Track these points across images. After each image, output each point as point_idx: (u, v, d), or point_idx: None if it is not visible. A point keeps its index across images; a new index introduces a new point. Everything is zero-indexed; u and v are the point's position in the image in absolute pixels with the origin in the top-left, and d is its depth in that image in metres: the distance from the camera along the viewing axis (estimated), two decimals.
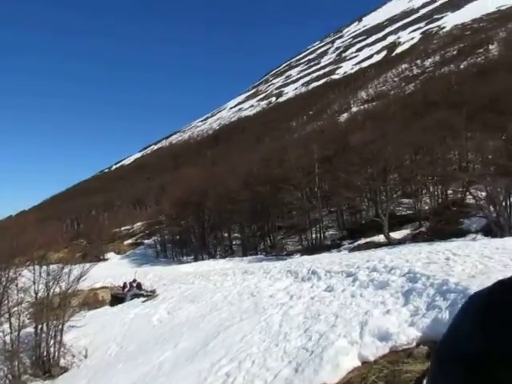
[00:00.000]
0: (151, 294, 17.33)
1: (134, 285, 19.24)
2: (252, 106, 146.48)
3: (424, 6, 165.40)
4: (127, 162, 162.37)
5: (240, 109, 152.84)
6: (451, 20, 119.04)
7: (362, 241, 21.82)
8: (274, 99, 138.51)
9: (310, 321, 7.42)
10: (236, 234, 34.23)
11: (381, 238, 20.80)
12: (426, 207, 23.21)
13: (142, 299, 16.98)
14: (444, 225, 19.35)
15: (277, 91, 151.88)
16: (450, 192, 23.34)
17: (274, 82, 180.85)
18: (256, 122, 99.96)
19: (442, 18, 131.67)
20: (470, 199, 20.30)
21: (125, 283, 19.79)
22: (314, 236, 26.88)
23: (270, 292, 10.72)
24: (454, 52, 74.79)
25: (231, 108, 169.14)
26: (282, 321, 8.02)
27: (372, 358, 5.28)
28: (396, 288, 7.48)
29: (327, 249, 22.91)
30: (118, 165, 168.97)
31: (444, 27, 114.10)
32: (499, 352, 0.47)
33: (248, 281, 13.25)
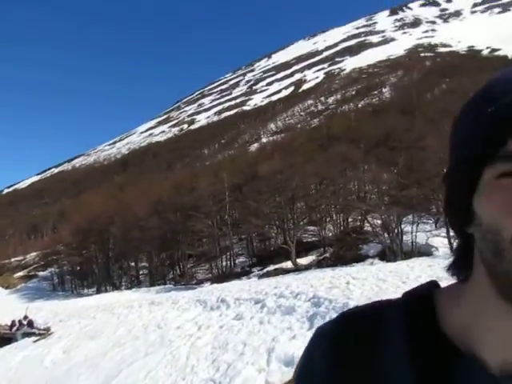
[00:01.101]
0: (45, 332, 15.69)
1: (25, 322, 17.26)
2: (163, 131, 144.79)
3: (327, 49, 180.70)
4: (22, 185, 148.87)
5: (151, 134, 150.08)
6: (350, 64, 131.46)
7: (271, 267, 22.27)
8: (185, 126, 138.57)
9: (218, 351, 7.30)
10: (143, 264, 32.81)
11: (289, 264, 21.45)
12: (330, 234, 24.57)
13: (33, 338, 15.27)
14: (345, 251, 20.64)
15: (189, 118, 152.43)
16: (350, 220, 25.05)
17: (186, 109, 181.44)
18: (167, 148, 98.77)
19: (342, 61, 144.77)
20: (367, 227, 22.02)
21: (13, 321, 17.67)
22: (224, 264, 26.81)
23: (178, 323, 10.37)
24: (353, 92, 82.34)
25: (141, 133, 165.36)
26: (190, 353, 7.77)
27: None
28: (301, 313, 7.72)
29: (237, 276, 22.96)
30: (10, 189, 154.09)
31: (344, 69, 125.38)
32: None
33: (155, 312, 12.70)
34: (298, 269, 19.98)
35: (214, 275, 26.12)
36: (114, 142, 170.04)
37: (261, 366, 5.91)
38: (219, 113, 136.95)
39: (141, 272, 32.94)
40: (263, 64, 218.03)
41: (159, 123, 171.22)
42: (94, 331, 12.80)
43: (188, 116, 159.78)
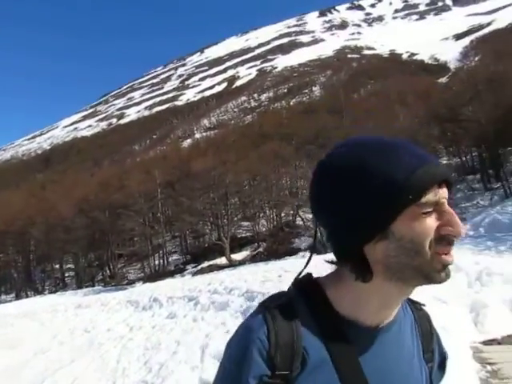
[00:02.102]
0: None
1: None
2: (90, 126, 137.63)
3: (259, 46, 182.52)
4: None
5: (76, 128, 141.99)
6: (282, 62, 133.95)
7: (205, 264, 22.16)
8: (114, 121, 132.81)
9: (151, 351, 7.13)
10: (69, 265, 31.05)
11: (223, 260, 21.47)
12: (264, 229, 24.97)
13: None
14: (278, 245, 21.09)
15: (118, 112, 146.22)
16: (283, 215, 25.63)
17: (114, 103, 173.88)
18: (94, 144, 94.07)
19: (274, 59, 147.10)
20: (299, 221, 22.66)
21: None
22: (156, 262, 26.19)
23: (108, 325, 9.96)
24: (285, 90, 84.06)
25: (65, 127, 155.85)
26: (121, 355, 7.50)
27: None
28: (235, 308, 7.76)
29: (171, 274, 22.55)
30: None
31: (276, 67, 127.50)
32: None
33: (82, 315, 12.08)
34: (232, 264, 20.06)
35: (146, 274, 25.40)
36: (34, 137, 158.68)
37: (194, 364, 5.85)
38: (150, 107, 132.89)
39: (66, 274, 31.17)
40: (196, 59, 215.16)
41: (85, 117, 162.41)
42: (14, 339, 11.89)
43: (117, 110, 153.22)
